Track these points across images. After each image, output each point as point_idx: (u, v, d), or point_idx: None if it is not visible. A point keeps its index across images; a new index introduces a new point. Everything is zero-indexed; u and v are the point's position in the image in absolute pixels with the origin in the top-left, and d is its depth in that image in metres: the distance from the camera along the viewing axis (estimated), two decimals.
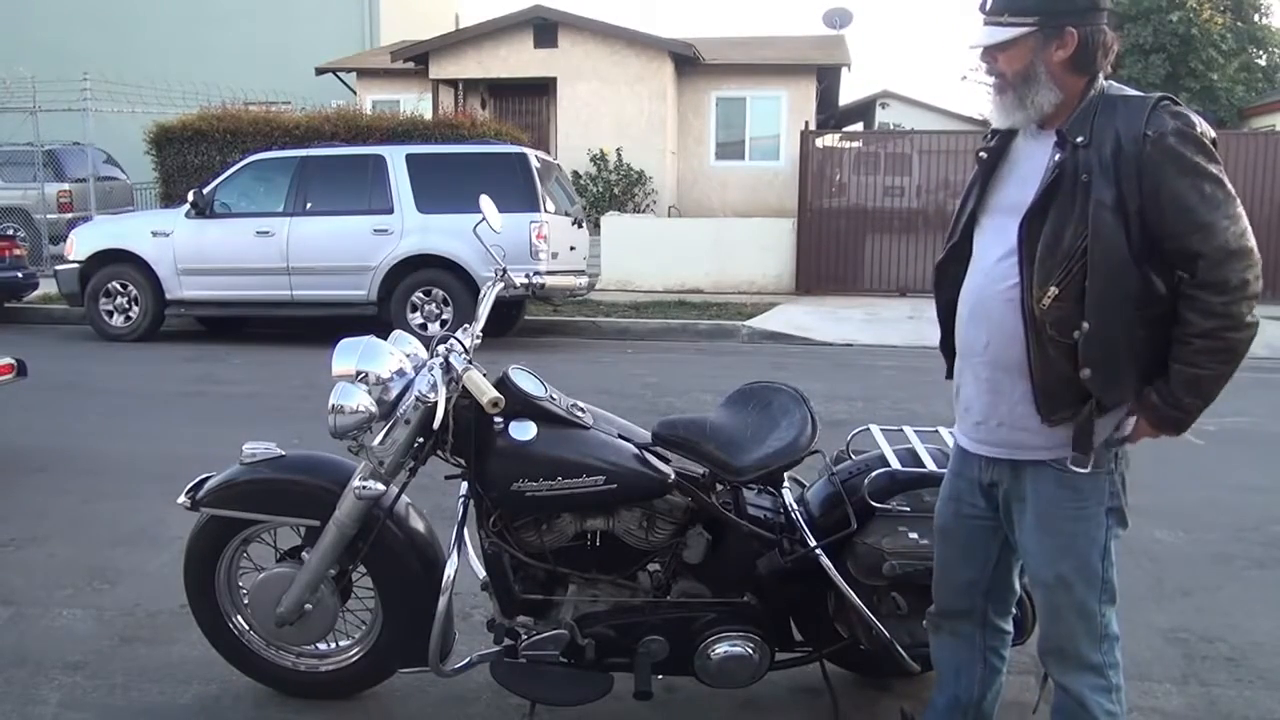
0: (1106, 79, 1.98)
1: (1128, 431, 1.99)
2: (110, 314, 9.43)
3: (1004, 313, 1.98)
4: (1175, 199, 1.83)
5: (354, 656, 2.78)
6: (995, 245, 2.02)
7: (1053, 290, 1.87)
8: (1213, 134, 1.90)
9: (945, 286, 2.18)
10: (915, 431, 2.74)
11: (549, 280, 3.08)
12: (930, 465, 2.54)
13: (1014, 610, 2.35)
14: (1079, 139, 1.89)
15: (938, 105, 26.23)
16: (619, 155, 16.65)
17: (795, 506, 2.59)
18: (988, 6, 1.96)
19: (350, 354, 2.44)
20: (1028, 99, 1.94)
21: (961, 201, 2.16)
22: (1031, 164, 1.99)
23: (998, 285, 1.99)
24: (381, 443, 2.42)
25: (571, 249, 9.73)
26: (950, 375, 2.22)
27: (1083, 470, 1.94)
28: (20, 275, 10.51)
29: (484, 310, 2.75)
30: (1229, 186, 1.86)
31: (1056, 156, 1.91)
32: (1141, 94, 1.93)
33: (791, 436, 2.55)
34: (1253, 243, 1.85)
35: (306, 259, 9.05)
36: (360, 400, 2.39)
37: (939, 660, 2.36)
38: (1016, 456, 2.04)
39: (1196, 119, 1.87)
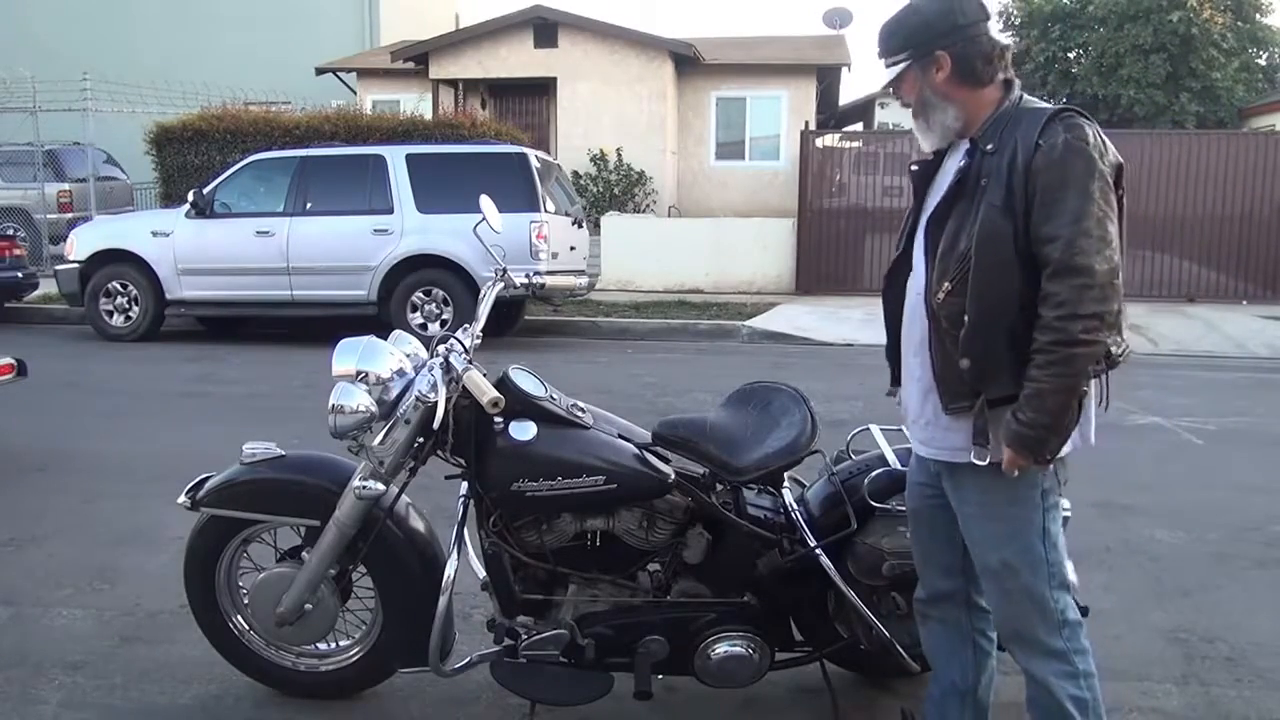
0: (1039, 89, 2.05)
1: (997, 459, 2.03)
2: (110, 314, 9.43)
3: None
4: (1044, 207, 1.92)
5: (354, 656, 2.78)
6: (923, 251, 2.14)
7: (946, 285, 2.00)
8: (1112, 154, 1.97)
9: (891, 294, 2.27)
10: None
11: (549, 280, 3.07)
12: None
13: None
14: (989, 146, 2.01)
15: None
16: (619, 155, 16.65)
17: (795, 506, 2.59)
18: (878, 53, 2.17)
19: (350, 354, 2.45)
20: (931, 120, 2.11)
21: (908, 213, 2.27)
22: (951, 173, 2.11)
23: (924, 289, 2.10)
24: (381, 443, 2.42)
25: (571, 249, 9.73)
26: (894, 382, 2.31)
27: (981, 463, 2.01)
28: (20, 275, 10.50)
29: (484, 310, 2.75)
30: (1101, 206, 1.91)
31: (961, 163, 2.05)
32: (1047, 106, 2.03)
33: (791, 436, 2.55)
34: (1096, 265, 1.88)
35: (306, 259, 9.05)
36: (360, 400, 2.39)
37: (931, 649, 2.39)
38: (941, 458, 2.13)
39: (1091, 132, 1.95)
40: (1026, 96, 2.08)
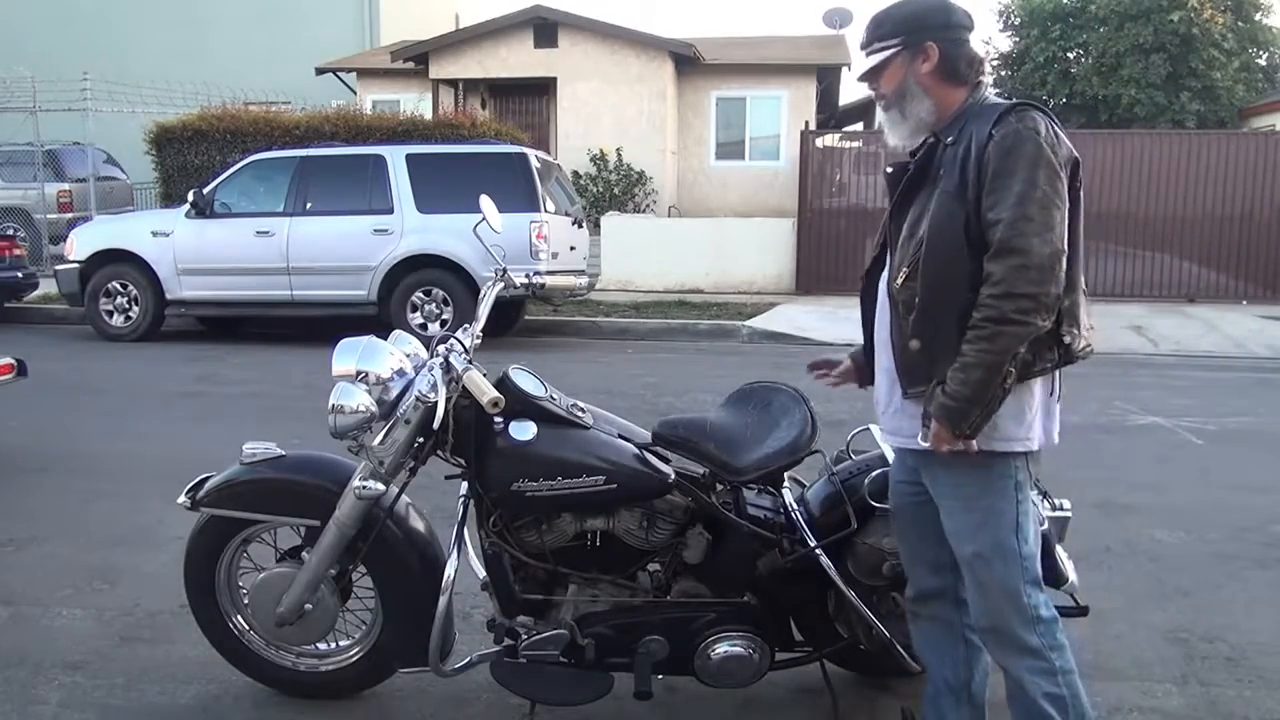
0: (1010, 96, 2.08)
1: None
2: (110, 314, 9.43)
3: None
4: (991, 193, 1.97)
5: (354, 656, 2.78)
6: (888, 242, 2.20)
7: (904, 271, 2.07)
8: (1066, 148, 2.00)
9: (868, 293, 2.31)
10: None
11: (549, 280, 3.07)
12: None
13: None
14: (949, 139, 2.07)
15: None
16: (619, 155, 16.65)
17: (795, 506, 2.59)
18: (863, 42, 2.21)
19: (350, 354, 2.45)
20: (907, 111, 2.15)
21: (885, 215, 2.31)
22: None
23: None
24: (381, 443, 2.43)
25: (571, 249, 9.73)
26: (867, 382, 2.36)
27: (926, 445, 2.04)
28: (20, 275, 10.50)
29: (484, 310, 2.75)
30: (1046, 192, 1.94)
31: (918, 153, 2.11)
32: (1006, 101, 2.08)
33: (791, 436, 2.55)
34: (1034, 246, 1.91)
35: (306, 259, 9.05)
36: (360, 400, 2.39)
37: (923, 649, 2.40)
38: (908, 446, 2.17)
39: (1044, 124, 1.98)
40: (990, 95, 2.14)
